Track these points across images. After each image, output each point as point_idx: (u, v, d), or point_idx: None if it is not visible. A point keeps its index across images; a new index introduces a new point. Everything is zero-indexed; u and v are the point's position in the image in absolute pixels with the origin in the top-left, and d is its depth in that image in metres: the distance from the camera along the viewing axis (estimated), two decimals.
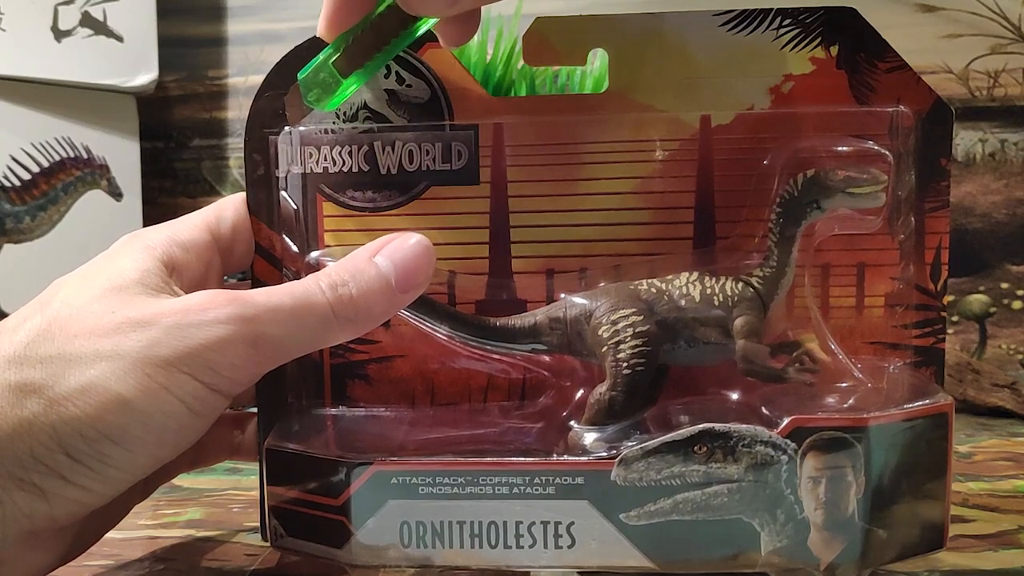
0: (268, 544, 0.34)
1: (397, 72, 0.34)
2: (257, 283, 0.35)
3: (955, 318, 0.67)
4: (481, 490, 0.31)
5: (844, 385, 0.33)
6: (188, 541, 0.39)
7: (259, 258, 0.35)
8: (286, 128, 0.35)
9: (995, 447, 0.53)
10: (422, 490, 0.31)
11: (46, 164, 0.68)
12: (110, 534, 0.35)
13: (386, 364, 0.36)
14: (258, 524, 0.38)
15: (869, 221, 0.33)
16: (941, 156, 0.34)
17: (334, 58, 0.31)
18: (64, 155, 0.69)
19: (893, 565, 0.33)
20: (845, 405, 0.32)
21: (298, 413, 0.36)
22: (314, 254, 0.35)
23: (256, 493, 0.35)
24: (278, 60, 0.34)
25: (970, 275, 0.67)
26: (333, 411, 0.36)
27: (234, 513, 0.42)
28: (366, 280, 0.31)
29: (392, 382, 0.36)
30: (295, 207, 0.35)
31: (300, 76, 0.32)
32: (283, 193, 0.35)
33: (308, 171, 0.35)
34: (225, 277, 0.36)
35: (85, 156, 0.71)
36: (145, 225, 0.78)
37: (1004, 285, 0.67)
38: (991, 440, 0.54)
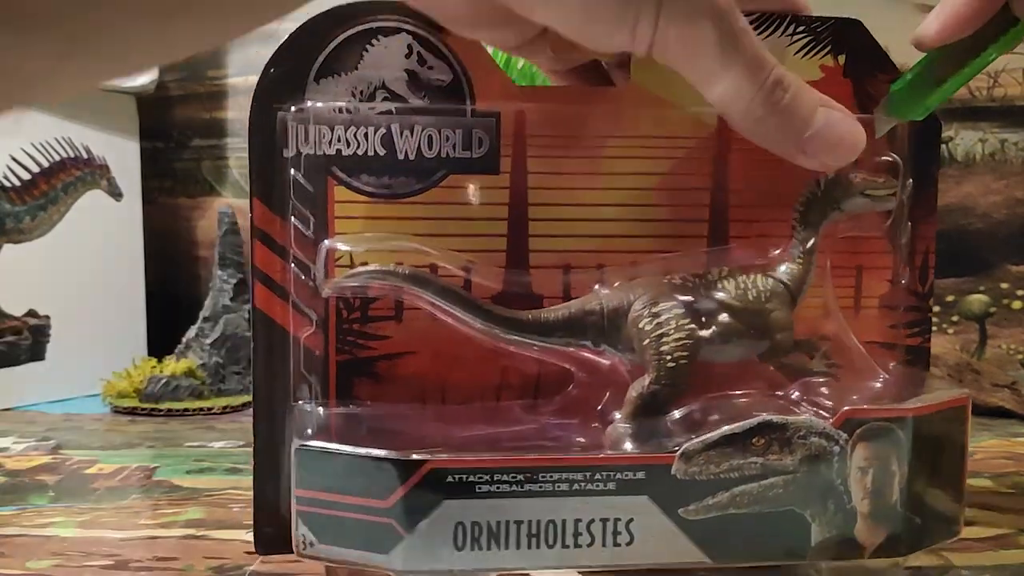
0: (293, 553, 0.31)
1: (419, 53, 0.33)
2: (257, 272, 0.33)
3: (955, 318, 0.67)
4: (540, 487, 0.29)
5: (872, 382, 0.34)
6: (188, 541, 0.39)
7: (259, 243, 0.33)
8: (297, 104, 0.33)
9: (995, 447, 0.53)
10: (480, 488, 0.29)
11: (46, 164, 0.68)
12: (110, 534, 0.35)
13: (396, 361, 0.34)
14: None
15: (878, 223, 0.34)
16: (931, 165, 0.35)
17: (930, 67, 0.32)
18: (64, 155, 0.69)
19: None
20: (876, 397, 0.32)
21: (306, 413, 0.33)
22: (326, 242, 0.33)
23: None
24: (289, 34, 0.33)
25: (970, 275, 0.67)
26: (345, 410, 0.33)
27: (234, 513, 0.42)
28: (801, 107, 0.29)
29: (402, 380, 0.34)
30: (306, 189, 0.33)
31: (893, 89, 0.33)
32: (293, 173, 0.33)
33: (320, 152, 0.33)
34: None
35: (85, 156, 0.71)
36: (145, 225, 0.78)
37: (1004, 285, 0.67)
38: (991, 440, 0.54)
